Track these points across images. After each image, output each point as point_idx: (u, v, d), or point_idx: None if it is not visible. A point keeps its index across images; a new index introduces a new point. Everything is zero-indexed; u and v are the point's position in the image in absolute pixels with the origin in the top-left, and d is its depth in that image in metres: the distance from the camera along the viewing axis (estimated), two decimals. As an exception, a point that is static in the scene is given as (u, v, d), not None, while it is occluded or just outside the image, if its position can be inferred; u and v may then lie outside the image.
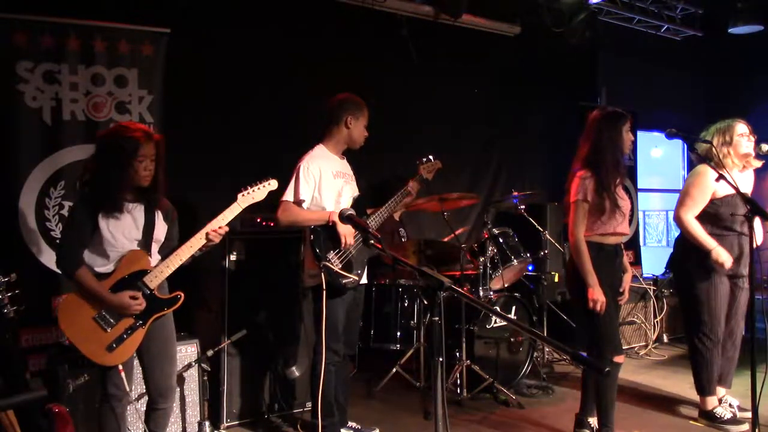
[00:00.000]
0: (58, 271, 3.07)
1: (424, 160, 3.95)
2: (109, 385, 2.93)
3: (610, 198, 3.44)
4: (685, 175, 8.40)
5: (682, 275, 4.03)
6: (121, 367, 2.91)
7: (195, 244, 3.01)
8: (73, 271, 2.86)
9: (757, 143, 3.93)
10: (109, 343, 2.86)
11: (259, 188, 3.14)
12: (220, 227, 3.03)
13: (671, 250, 4.20)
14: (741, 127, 3.90)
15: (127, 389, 2.93)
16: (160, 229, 3.08)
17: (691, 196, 3.86)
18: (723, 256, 3.75)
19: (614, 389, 3.58)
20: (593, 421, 3.65)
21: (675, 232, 8.84)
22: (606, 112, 3.56)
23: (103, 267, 2.93)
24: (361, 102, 3.72)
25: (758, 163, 3.96)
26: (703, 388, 3.98)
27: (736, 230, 3.82)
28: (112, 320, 2.89)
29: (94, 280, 2.88)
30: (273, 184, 3.20)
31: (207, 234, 3.01)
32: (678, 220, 3.91)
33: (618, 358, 3.54)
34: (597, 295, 3.40)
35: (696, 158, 4.01)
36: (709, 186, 3.78)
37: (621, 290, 3.61)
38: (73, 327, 2.85)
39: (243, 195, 3.11)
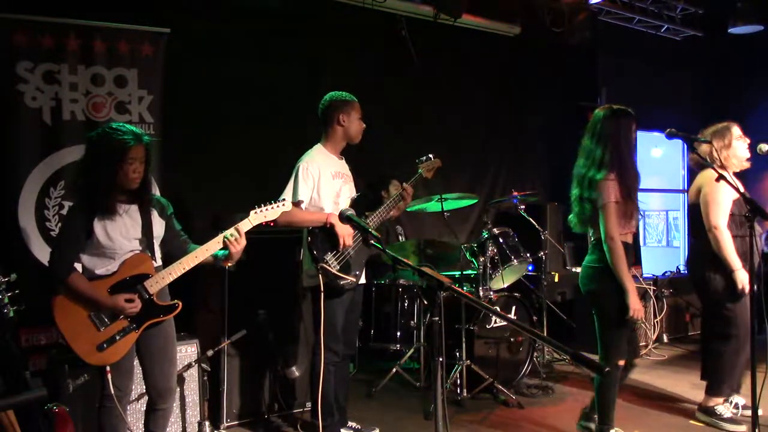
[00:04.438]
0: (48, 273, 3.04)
1: (423, 158, 3.93)
2: (109, 385, 2.93)
3: (633, 199, 3.42)
4: (686, 176, 8.42)
5: (709, 277, 3.91)
6: (108, 368, 2.90)
7: (201, 255, 3.01)
8: (63, 277, 2.85)
9: (756, 143, 3.94)
10: (100, 343, 2.86)
11: (271, 208, 3.13)
12: (237, 239, 3.01)
13: (687, 254, 4.15)
14: (736, 130, 3.94)
15: (111, 391, 2.91)
16: (158, 227, 3.08)
17: (717, 202, 3.82)
18: (746, 281, 3.75)
19: (615, 389, 3.56)
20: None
21: (675, 233, 8.88)
22: (616, 113, 3.47)
23: (104, 269, 2.93)
24: (350, 97, 3.71)
25: (747, 164, 3.99)
26: (718, 389, 3.95)
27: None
28: (106, 320, 2.88)
29: (86, 284, 2.87)
30: (287, 205, 3.20)
31: (225, 242, 2.99)
32: (714, 229, 3.82)
33: (622, 362, 3.51)
34: (635, 304, 3.33)
35: (695, 160, 4.00)
36: (728, 187, 3.74)
37: None
38: (67, 321, 2.84)
39: (255, 212, 3.10)
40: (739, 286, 3.77)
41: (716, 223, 3.82)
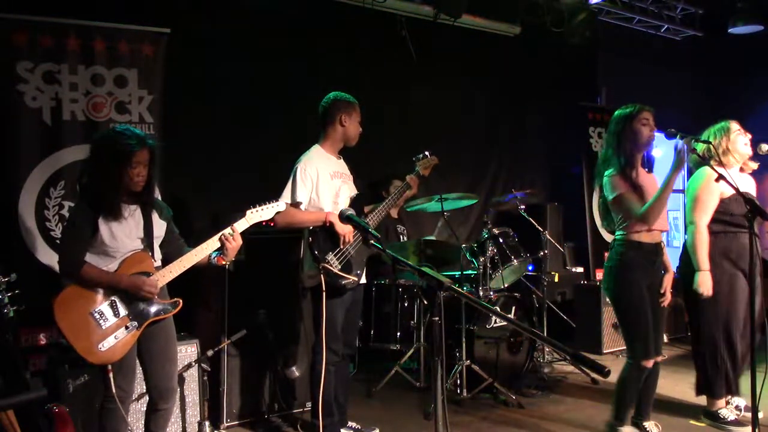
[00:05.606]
0: (59, 272, 3.05)
1: (420, 156, 3.95)
2: (110, 385, 2.93)
3: (637, 195, 3.43)
4: (686, 176, 8.41)
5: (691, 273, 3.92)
6: (109, 367, 2.90)
7: (200, 252, 3.04)
8: (76, 271, 2.85)
9: (756, 143, 3.94)
10: (101, 341, 2.85)
11: (267, 207, 3.19)
12: (233, 237, 3.05)
13: (680, 251, 4.15)
14: (735, 125, 3.94)
15: (113, 391, 2.91)
16: (159, 228, 3.09)
17: (701, 200, 3.83)
18: (707, 284, 3.76)
19: (635, 389, 3.54)
20: (648, 425, 3.64)
21: (675, 233, 8.88)
22: (622, 113, 3.57)
23: (105, 268, 2.92)
24: (352, 99, 3.73)
25: (755, 165, 3.99)
26: (715, 391, 3.94)
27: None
28: (108, 318, 2.88)
29: (100, 270, 2.88)
30: (281, 206, 3.24)
31: (221, 238, 3.04)
32: (692, 224, 3.85)
33: (646, 363, 3.48)
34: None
35: (695, 160, 4.00)
36: (716, 187, 3.76)
37: (662, 291, 3.55)
38: (68, 319, 2.84)
39: (251, 212, 3.16)
40: (696, 286, 3.77)
41: (695, 220, 3.84)
